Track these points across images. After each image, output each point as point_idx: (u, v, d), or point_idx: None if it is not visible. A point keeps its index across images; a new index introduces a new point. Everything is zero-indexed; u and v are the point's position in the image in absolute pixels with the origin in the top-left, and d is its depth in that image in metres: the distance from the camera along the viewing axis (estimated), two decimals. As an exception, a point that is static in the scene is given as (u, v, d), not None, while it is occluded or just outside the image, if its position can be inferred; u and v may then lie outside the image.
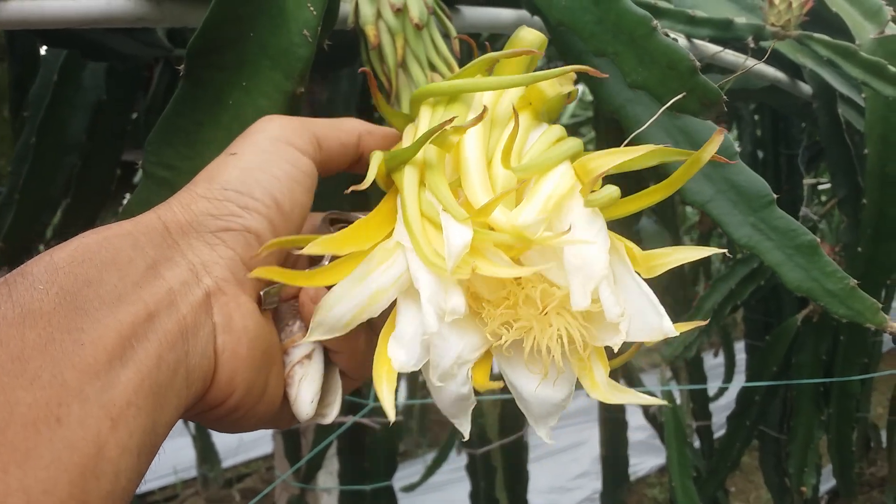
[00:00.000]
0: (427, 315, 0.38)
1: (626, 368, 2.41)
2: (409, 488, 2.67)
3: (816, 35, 1.04)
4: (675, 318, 0.42)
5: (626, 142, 0.66)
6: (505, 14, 0.86)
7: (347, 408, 1.40)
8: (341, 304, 0.41)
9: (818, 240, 0.71)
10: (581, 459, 3.52)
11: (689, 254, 0.43)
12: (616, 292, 0.39)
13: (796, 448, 1.41)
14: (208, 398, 0.40)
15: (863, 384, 2.55)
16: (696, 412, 2.35)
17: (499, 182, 0.43)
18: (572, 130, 2.67)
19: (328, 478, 1.48)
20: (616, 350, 0.41)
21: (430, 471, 2.64)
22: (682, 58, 0.64)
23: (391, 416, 0.39)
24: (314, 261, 0.47)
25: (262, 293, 0.43)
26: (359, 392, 1.39)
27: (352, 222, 0.49)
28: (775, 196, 0.71)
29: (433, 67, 0.58)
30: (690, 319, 1.53)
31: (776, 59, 1.38)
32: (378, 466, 1.58)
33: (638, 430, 2.74)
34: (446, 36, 0.66)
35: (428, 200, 0.42)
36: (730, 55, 1.13)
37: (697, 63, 0.64)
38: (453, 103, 0.48)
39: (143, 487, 0.36)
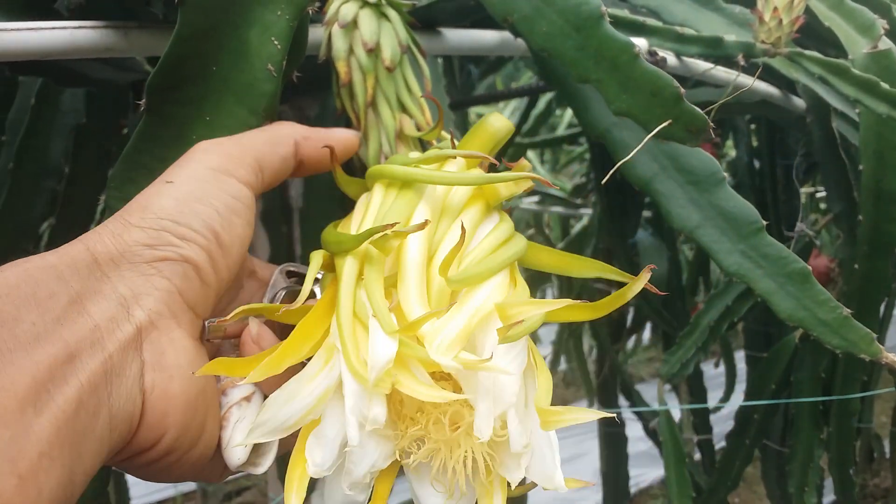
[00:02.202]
0: (350, 427, 0.38)
1: (623, 381, 2.39)
2: (408, 504, 2.64)
3: (808, 52, 1.02)
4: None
5: (612, 170, 0.65)
6: (488, 36, 0.84)
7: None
8: (290, 405, 0.40)
9: (810, 268, 0.69)
10: (582, 471, 3.49)
11: (583, 416, 0.41)
12: (525, 422, 0.39)
13: (796, 467, 1.39)
14: (136, 441, 0.38)
15: (864, 398, 2.52)
16: (697, 426, 2.31)
17: (434, 287, 0.43)
18: (570, 139, 2.65)
19: (321, 500, 1.46)
20: (514, 486, 0.41)
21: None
22: (666, 84, 0.62)
23: None
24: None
25: (206, 323, 0.42)
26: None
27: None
28: (765, 223, 0.69)
29: (404, 108, 0.56)
30: (687, 335, 1.50)
31: (769, 74, 1.36)
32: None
33: (640, 440, 2.70)
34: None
35: (361, 301, 0.41)
36: (721, 72, 1.11)
37: (682, 90, 0.62)
38: (406, 189, 0.48)
39: (143, 501, 0.35)
